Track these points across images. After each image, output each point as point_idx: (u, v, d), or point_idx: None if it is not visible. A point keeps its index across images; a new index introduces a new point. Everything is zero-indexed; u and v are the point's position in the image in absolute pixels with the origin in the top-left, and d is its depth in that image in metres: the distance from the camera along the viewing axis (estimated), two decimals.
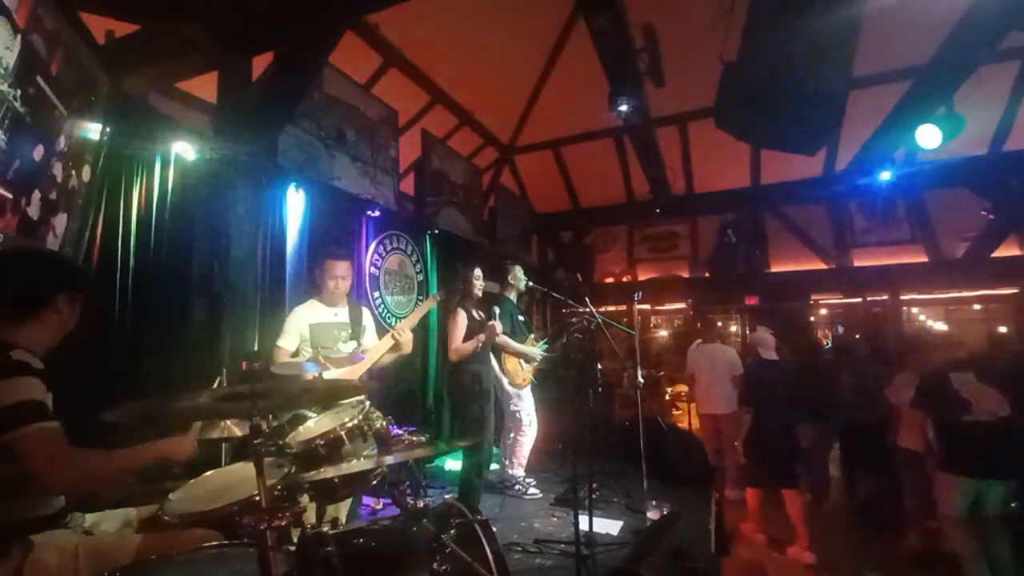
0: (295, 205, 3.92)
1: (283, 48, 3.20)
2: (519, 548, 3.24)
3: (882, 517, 4.16)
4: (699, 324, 6.88)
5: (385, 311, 4.96)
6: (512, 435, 4.44)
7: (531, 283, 4.60)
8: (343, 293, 3.12)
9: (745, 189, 7.57)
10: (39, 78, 2.10)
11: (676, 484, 4.38)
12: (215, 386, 2.47)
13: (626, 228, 9.12)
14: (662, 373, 7.72)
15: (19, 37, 1.94)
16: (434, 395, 5.34)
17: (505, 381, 4.32)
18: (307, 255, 3.91)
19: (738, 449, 4.01)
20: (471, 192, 6.48)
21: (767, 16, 2.64)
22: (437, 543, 1.60)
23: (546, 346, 4.61)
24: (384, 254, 5.05)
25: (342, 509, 2.54)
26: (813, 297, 8.29)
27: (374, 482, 2.09)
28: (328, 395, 1.99)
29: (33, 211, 2.15)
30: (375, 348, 3.06)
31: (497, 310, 3.86)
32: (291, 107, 3.61)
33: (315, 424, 2.36)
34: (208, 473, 2.03)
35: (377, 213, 4.77)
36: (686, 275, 8.70)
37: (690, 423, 5.75)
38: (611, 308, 8.17)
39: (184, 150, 3.10)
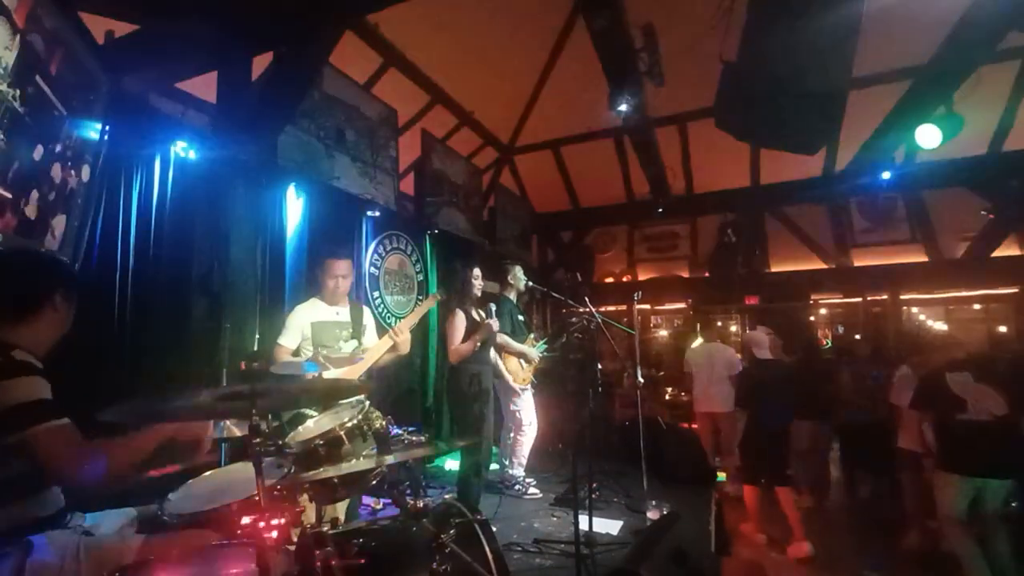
0: (294, 205, 3.92)
1: (283, 48, 3.20)
2: (519, 548, 3.25)
3: (882, 517, 4.17)
4: (698, 324, 6.89)
5: (385, 311, 4.96)
6: (512, 435, 4.45)
7: (531, 283, 4.61)
8: (344, 292, 3.13)
9: (745, 189, 7.56)
10: (38, 78, 2.10)
11: (676, 484, 4.38)
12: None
13: (626, 228, 9.11)
14: (662, 373, 7.72)
15: (18, 37, 1.94)
16: (434, 395, 5.35)
17: (509, 379, 4.32)
18: (306, 255, 3.91)
19: (735, 449, 4.03)
20: (471, 192, 6.47)
21: (767, 16, 2.64)
22: (437, 543, 1.60)
23: (545, 346, 4.62)
24: (384, 254, 5.05)
25: (341, 509, 2.54)
26: (813, 297, 8.29)
27: (374, 482, 2.08)
28: (327, 395, 1.99)
29: (32, 211, 2.15)
30: (374, 348, 3.06)
31: (493, 307, 3.86)
32: (291, 107, 3.61)
33: (314, 424, 2.36)
34: (207, 473, 2.03)
35: (377, 213, 4.77)
36: (686, 275, 8.69)
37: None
38: (611, 308, 8.16)
39: (184, 150, 3.10)
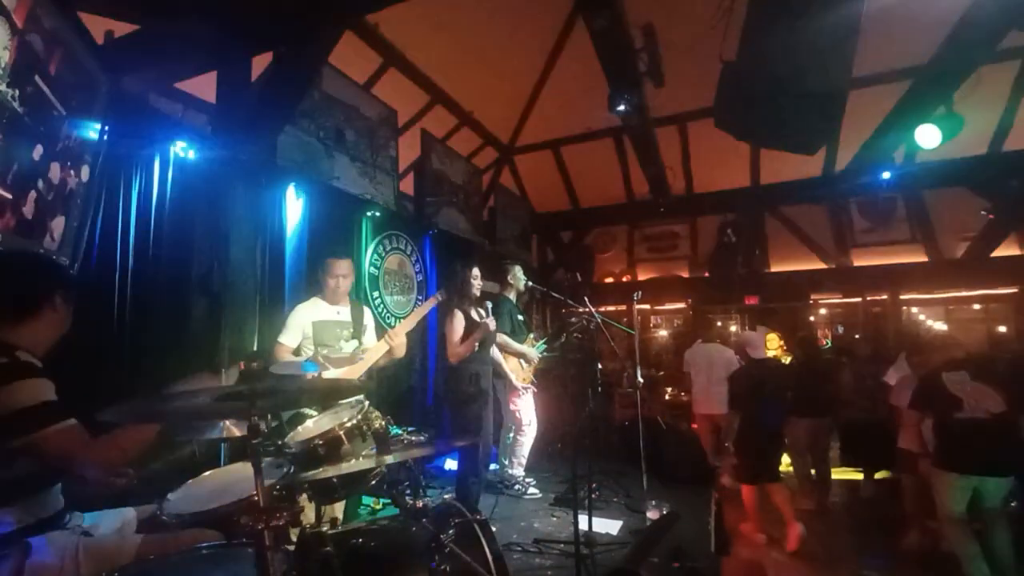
0: (294, 205, 3.92)
1: (282, 48, 3.20)
2: (518, 548, 3.24)
3: (882, 517, 4.17)
4: (698, 324, 6.89)
5: (384, 311, 4.95)
6: (512, 434, 4.44)
7: (531, 283, 4.60)
8: (345, 291, 3.14)
9: (745, 189, 7.56)
10: (38, 78, 2.09)
11: (676, 484, 4.37)
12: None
13: (626, 228, 9.11)
14: (662, 373, 7.72)
15: (17, 37, 1.94)
16: (434, 395, 5.34)
17: (512, 377, 4.32)
18: (306, 255, 3.91)
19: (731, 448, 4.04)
20: (471, 192, 6.47)
21: (767, 16, 2.64)
22: (436, 543, 1.60)
23: (545, 346, 4.62)
24: (383, 254, 5.04)
25: (340, 509, 2.54)
26: (813, 297, 8.29)
27: (373, 482, 2.09)
28: (327, 395, 1.99)
29: (31, 211, 2.14)
30: (373, 350, 3.07)
31: (490, 306, 3.86)
32: (290, 107, 3.61)
33: (314, 424, 2.36)
34: (207, 473, 2.03)
35: (376, 213, 4.77)
36: (686, 275, 8.69)
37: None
38: (611, 308, 8.17)
39: (183, 150, 3.10)
